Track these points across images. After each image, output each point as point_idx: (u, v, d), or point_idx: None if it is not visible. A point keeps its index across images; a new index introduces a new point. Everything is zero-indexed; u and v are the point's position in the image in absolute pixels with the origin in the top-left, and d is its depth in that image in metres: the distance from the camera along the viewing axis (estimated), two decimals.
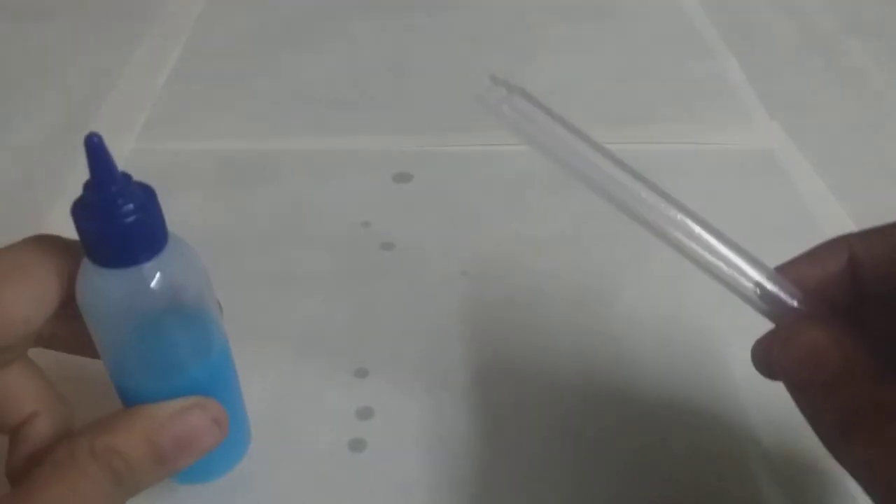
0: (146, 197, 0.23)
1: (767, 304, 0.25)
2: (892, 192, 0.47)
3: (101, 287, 0.24)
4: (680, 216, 0.26)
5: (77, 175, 0.47)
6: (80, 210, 0.23)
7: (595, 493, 0.32)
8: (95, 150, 0.22)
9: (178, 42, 0.59)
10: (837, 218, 0.45)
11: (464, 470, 0.32)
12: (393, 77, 0.56)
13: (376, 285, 0.40)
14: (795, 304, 0.25)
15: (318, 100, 0.54)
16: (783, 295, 0.25)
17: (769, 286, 0.25)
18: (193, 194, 0.45)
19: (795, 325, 0.24)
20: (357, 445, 0.33)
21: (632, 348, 0.37)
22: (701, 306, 0.39)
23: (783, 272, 0.26)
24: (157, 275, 0.24)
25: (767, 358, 0.25)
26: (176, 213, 0.44)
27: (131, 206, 0.22)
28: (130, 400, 0.26)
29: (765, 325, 0.26)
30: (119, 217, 0.22)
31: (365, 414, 0.34)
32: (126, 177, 0.23)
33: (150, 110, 0.52)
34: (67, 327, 0.26)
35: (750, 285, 0.25)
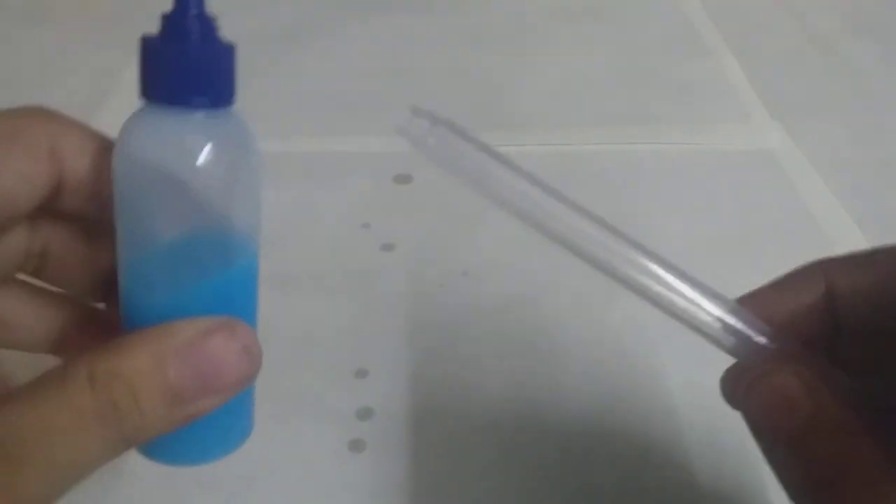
0: (214, 24, 0.21)
1: (731, 341, 0.23)
2: (893, 192, 0.47)
3: (150, 136, 0.20)
4: (625, 248, 0.23)
5: None
6: (150, 36, 0.20)
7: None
8: None
9: None
10: (838, 218, 0.45)
11: (464, 470, 0.32)
12: (393, 77, 0.56)
13: (376, 286, 0.40)
14: (763, 339, 0.23)
15: (318, 100, 0.54)
16: (748, 330, 0.23)
17: (732, 321, 0.23)
18: None
19: (763, 366, 0.22)
20: (357, 446, 0.33)
21: (632, 345, 0.37)
22: None
23: (749, 302, 0.24)
24: (215, 136, 0.20)
25: (734, 391, 0.23)
26: None
27: (212, 29, 0.20)
28: (140, 321, 0.21)
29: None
30: (199, 37, 0.20)
31: (365, 414, 0.34)
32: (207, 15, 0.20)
33: None
34: (61, 240, 0.23)
35: (710, 319, 0.23)
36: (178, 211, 0.21)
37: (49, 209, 0.23)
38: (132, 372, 0.19)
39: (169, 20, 0.20)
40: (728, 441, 0.33)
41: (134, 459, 0.32)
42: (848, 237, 0.44)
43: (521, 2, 0.65)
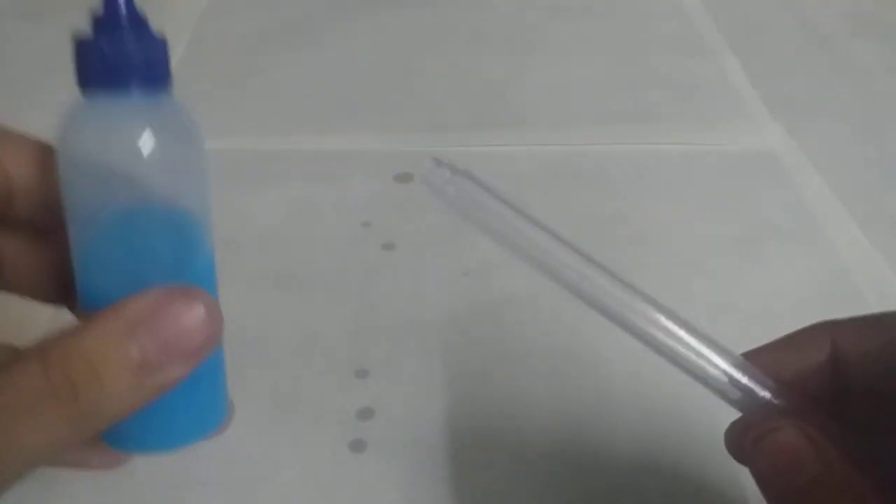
0: (145, 20, 0.22)
1: (737, 395, 0.23)
2: (893, 192, 0.47)
3: (89, 126, 0.21)
4: (636, 300, 0.24)
5: None
6: (80, 34, 0.21)
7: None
8: None
9: (179, 42, 0.59)
10: (839, 219, 0.45)
11: (465, 471, 0.32)
12: (394, 77, 0.56)
13: (377, 285, 0.40)
14: (768, 395, 0.23)
15: (318, 99, 0.54)
16: (754, 385, 0.23)
17: (738, 375, 0.23)
18: None
19: (769, 423, 0.22)
20: (357, 446, 0.33)
21: (631, 343, 0.37)
22: (704, 302, 0.39)
23: (756, 357, 0.24)
24: (154, 120, 0.21)
25: (738, 447, 0.23)
26: None
27: (143, 22, 0.21)
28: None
29: None
30: (128, 25, 0.21)
31: (365, 414, 0.34)
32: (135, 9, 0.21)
33: None
34: (16, 246, 0.23)
35: (717, 373, 0.23)
36: (124, 198, 0.21)
37: (1, 218, 0.23)
38: (90, 348, 0.18)
39: (100, 16, 0.21)
40: None
41: (133, 459, 0.32)
42: (848, 237, 0.43)
43: (521, 1, 0.65)
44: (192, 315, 0.20)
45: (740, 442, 0.23)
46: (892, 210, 0.46)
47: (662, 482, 0.32)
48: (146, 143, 0.20)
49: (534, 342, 0.37)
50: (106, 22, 0.21)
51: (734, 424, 0.24)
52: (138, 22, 0.21)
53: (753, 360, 0.24)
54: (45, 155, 0.22)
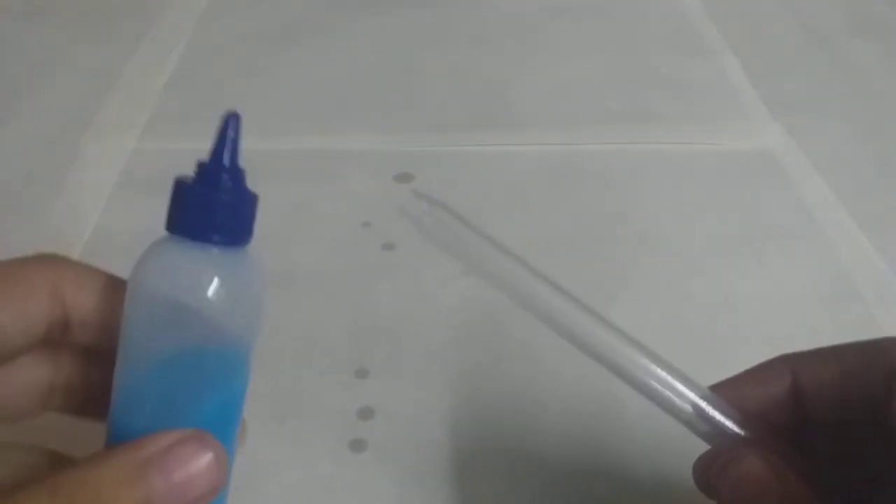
0: (243, 177, 0.23)
1: (704, 426, 0.24)
2: (893, 191, 0.47)
3: (166, 267, 0.22)
4: (608, 333, 0.25)
5: (77, 175, 0.47)
6: (184, 179, 0.23)
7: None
8: (233, 127, 0.24)
9: (179, 42, 0.59)
10: (839, 219, 0.45)
11: (465, 470, 0.32)
12: (394, 77, 0.56)
13: (377, 285, 0.40)
14: (733, 426, 0.24)
15: (318, 100, 0.54)
16: (720, 417, 0.24)
17: (705, 407, 0.24)
18: None
19: (733, 452, 0.23)
20: (357, 446, 0.33)
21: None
22: (704, 302, 0.39)
23: (722, 390, 0.25)
24: (227, 272, 0.22)
25: (706, 479, 0.23)
26: None
27: (238, 180, 0.23)
28: (123, 438, 0.22)
29: None
30: (223, 183, 0.23)
31: (365, 414, 0.34)
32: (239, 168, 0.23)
33: (152, 110, 0.52)
34: (66, 369, 0.24)
35: (686, 406, 0.24)
36: (182, 339, 0.22)
37: (65, 344, 0.24)
38: (100, 482, 0.19)
39: (205, 167, 0.23)
40: None
41: None
42: (848, 237, 0.43)
43: (521, 1, 0.65)
44: (202, 463, 0.20)
45: (706, 473, 0.23)
46: (892, 210, 0.46)
47: (664, 485, 0.32)
48: (216, 294, 0.22)
49: (534, 341, 0.37)
50: (207, 173, 0.23)
51: (701, 457, 0.24)
52: (237, 179, 0.23)
53: (718, 391, 0.24)
54: (105, 286, 0.24)
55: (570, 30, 0.61)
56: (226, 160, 0.23)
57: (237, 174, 0.23)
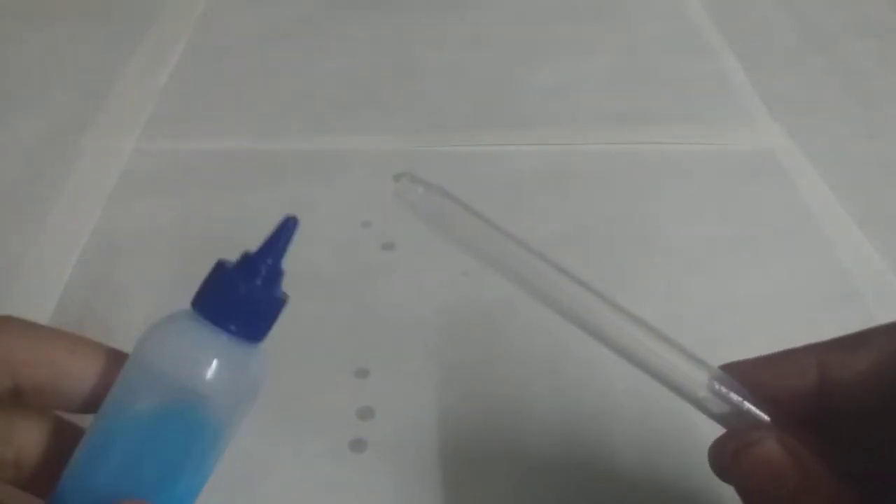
0: (281, 277, 0.25)
1: (720, 408, 0.23)
2: (893, 192, 0.47)
3: (182, 336, 0.23)
4: (614, 314, 0.24)
5: (77, 175, 0.47)
6: (225, 262, 0.24)
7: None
8: (288, 230, 0.24)
9: (179, 42, 0.59)
10: (839, 219, 0.45)
11: (465, 471, 0.32)
12: (394, 77, 0.56)
13: (377, 285, 0.40)
14: (750, 408, 0.23)
15: (318, 100, 0.54)
16: (735, 398, 0.23)
17: (719, 389, 0.23)
18: (193, 194, 0.45)
19: (751, 435, 0.22)
20: (357, 446, 0.33)
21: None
22: (704, 302, 0.39)
23: (739, 372, 0.24)
24: (233, 364, 0.23)
25: (721, 463, 0.23)
26: (177, 213, 0.44)
27: (273, 280, 0.24)
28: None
29: None
30: (257, 278, 0.24)
31: (365, 414, 0.34)
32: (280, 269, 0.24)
33: (152, 110, 0.52)
34: (34, 442, 0.24)
35: (698, 388, 0.23)
36: (169, 409, 0.22)
37: (17, 413, 0.24)
38: None
39: (247, 259, 0.24)
40: None
41: None
42: (848, 237, 0.43)
43: (521, 1, 0.65)
44: None
45: (721, 457, 0.23)
46: (892, 210, 0.46)
47: (662, 485, 0.32)
48: (214, 378, 0.22)
49: (534, 341, 0.37)
50: (247, 265, 0.24)
51: (717, 440, 0.23)
52: (272, 278, 0.24)
53: (734, 373, 0.24)
54: (60, 353, 0.24)
55: (570, 30, 0.61)
56: (269, 258, 0.24)
57: (275, 274, 0.24)
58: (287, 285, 0.39)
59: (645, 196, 0.46)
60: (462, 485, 0.32)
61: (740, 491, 0.22)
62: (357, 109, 0.53)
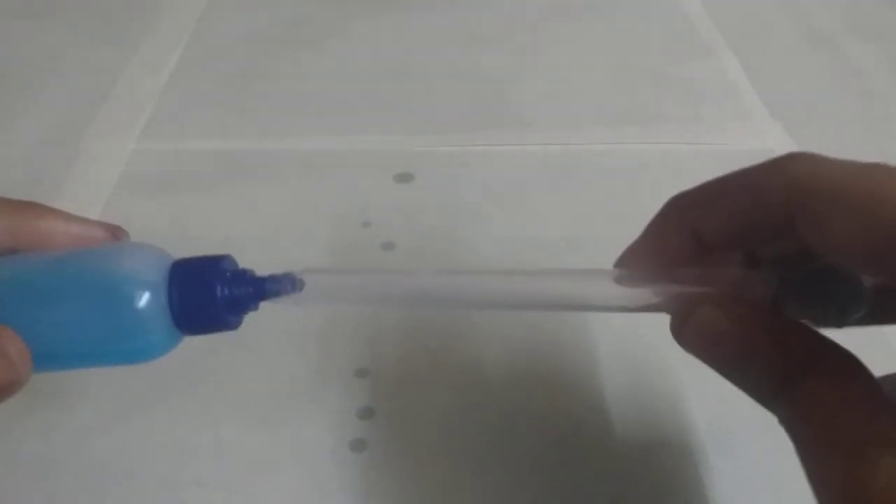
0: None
1: (643, 299, 0.24)
2: None
3: (140, 256, 0.25)
4: (512, 277, 0.25)
5: (77, 175, 0.47)
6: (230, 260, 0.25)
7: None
8: (287, 283, 0.25)
9: (179, 42, 0.59)
10: None
11: (465, 470, 0.32)
12: (393, 77, 0.56)
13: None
14: (670, 286, 0.24)
15: (318, 100, 0.54)
16: (640, 279, 0.24)
17: (630, 277, 0.24)
18: (193, 194, 0.45)
19: (686, 307, 0.22)
20: (357, 445, 0.33)
21: (633, 347, 0.37)
22: None
23: (630, 261, 0.25)
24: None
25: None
26: (176, 213, 0.44)
27: (240, 306, 0.25)
28: None
29: None
30: (228, 289, 0.25)
31: (365, 414, 0.34)
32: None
33: (152, 110, 0.52)
34: None
35: (615, 296, 0.24)
36: (88, 282, 0.24)
37: None
38: None
39: (239, 275, 0.25)
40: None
41: (131, 460, 0.32)
42: None
43: (521, 1, 0.65)
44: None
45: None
46: None
47: (661, 480, 0.32)
48: (136, 296, 0.23)
49: (534, 341, 0.37)
50: (233, 280, 0.25)
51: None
52: (241, 307, 0.25)
53: (632, 265, 0.25)
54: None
55: (570, 30, 0.61)
56: (251, 288, 0.25)
57: (243, 304, 0.25)
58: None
59: (644, 196, 0.46)
60: (462, 484, 0.32)
61: (697, 357, 0.22)
62: (357, 109, 0.53)
